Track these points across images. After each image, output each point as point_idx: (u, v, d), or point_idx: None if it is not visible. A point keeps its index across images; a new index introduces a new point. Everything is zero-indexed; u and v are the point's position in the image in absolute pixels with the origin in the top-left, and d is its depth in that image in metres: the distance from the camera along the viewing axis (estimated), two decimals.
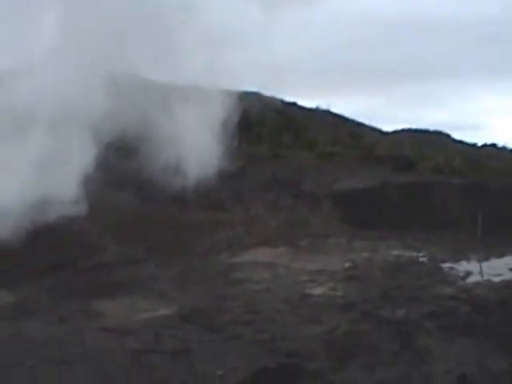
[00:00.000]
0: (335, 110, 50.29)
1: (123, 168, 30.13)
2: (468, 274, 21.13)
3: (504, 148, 48.07)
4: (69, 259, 23.61)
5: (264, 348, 13.11)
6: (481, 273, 21.50)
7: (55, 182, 27.24)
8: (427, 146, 42.60)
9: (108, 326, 15.49)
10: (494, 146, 49.40)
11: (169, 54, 31.03)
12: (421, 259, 23.26)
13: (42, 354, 13.22)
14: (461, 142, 51.25)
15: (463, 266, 22.35)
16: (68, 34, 28.74)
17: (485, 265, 22.61)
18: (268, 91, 38.96)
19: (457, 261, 23.06)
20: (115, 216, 27.08)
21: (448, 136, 53.33)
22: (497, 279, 20.29)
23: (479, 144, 50.62)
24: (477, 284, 19.59)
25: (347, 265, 22.03)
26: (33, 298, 19.22)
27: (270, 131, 40.56)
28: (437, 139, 50.39)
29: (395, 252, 24.02)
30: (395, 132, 53.32)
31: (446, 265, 22.46)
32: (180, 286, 19.98)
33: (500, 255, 24.25)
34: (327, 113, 49.14)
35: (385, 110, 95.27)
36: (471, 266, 22.58)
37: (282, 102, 44.84)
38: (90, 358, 12.91)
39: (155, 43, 30.59)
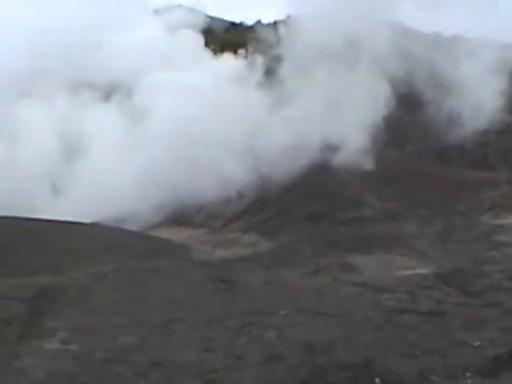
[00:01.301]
0: None
1: (404, 119, 29.67)
2: None
3: None
4: (329, 210, 23.57)
5: None
6: None
7: (341, 127, 27.41)
8: None
9: (363, 281, 15.13)
10: None
11: (455, 6, 30.49)
12: None
13: (296, 303, 13.11)
14: None
15: None
16: None
17: None
18: None
19: None
20: (378, 169, 26.71)
21: None
22: None
23: None
24: None
25: None
26: (291, 247, 19.32)
27: None
28: None
29: None
30: None
31: None
32: (439, 246, 19.23)
33: None
34: None
35: None
36: None
37: None
38: (343, 311, 12.59)
39: None
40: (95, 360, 9.50)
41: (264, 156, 27.67)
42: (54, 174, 30.30)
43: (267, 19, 47.28)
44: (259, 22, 49.60)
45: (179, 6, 44.20)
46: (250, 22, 52.47)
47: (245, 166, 27.79)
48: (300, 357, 9.91)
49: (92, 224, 22.06)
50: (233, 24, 52.11)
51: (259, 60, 33.06)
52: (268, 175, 26.63)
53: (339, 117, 28.06)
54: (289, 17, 35.38)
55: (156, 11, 41.66)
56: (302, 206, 24.16)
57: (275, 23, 36.86)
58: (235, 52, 35.52)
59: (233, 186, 27.16)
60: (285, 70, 30.58)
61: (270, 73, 31.73)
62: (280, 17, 38.83)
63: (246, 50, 35.38)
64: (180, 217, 27.27)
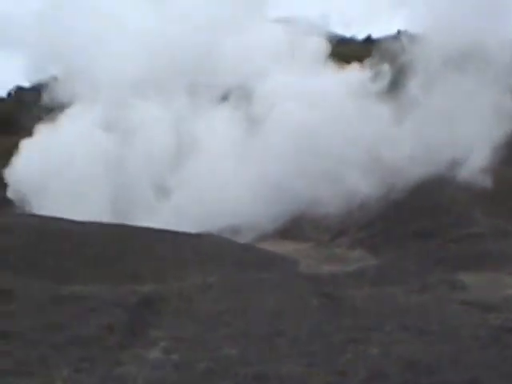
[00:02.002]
0: None
1: None
2: None
3: None
4: (438, 227, 23.09)
5: None
6: None
7: (462, 141, 26.79)
8: None
9: (470, 299, 14.64)
10: None
11: None
12: None
13: (401, 320, 12.77)
14: None
15: None
16: None
17: None
18: None
19: None
20: (491, 186, 26.04)
21: None
22: None
23: None
24: None
25: None
26: (397, 263, 18.96)
27: None
28: None
29: None
30: None
31: None
32: None
33: None
34: None
35: None
36: None
37: None
38: (449, 329, 12.17)
39: None
40: (197, 371, 9.42)
41: (385, 168, 27.26)
42: (164, 178, 30.55)
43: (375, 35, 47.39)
44: (369, 37, 49.62)
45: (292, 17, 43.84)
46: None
47: (367, 178, 27.37)
48: (404, 375, 9.59)
49: (199, 234, 22.22)
50: (341, 39, 52.23)
51: (384, 71, 32.62)
52: (389, 188, 26.25)
53: (461, 130, 27.42)
54: (399, 32, 35.08)
55: (276, 20, 41.41)
56: (410, 221, 23.75)
57: (396, 36, 36.58)
58: (359, 63, 35.11)
59: (354, 199, 26.78)
60: (408, 81, 30.17)
61: (393, 84, 31.42)
62: (389, 32, 38.62)
63: (372, 62, 34.93)
64: (288, 229, 27.20)
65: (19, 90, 60.73)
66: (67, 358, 9.55)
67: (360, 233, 24.32)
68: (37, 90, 41.27)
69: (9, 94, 62.94)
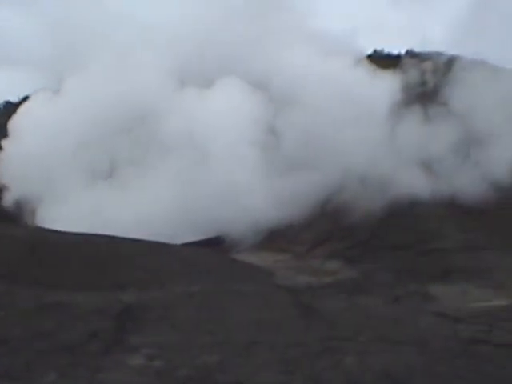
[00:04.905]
0: None
1: None
2: None
3: None
4: (410, 241, 23.20)
5: None
6: None
7: None
8: None
9: (441, 311, 14.72)
10: None
11: None
12: None
13: (375, 331, 12.79)
14: None
15: None
16: None
17: None
18: None
19: None
20: (460, 202, 26.17)
21: None
22: None
23: None
24: None
25: None
26: (371, 275, 19.06)
27: None
28: None
29: None
30: None
31: None
32: None
33: None
34: None
35: None
36: None
37: None
38: (420, 340, 12.23)
39: None
40: (178, 377, 9.40)
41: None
42: None
43: None
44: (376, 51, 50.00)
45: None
46: None
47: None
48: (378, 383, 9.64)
49: (181, 245, 22.22)
50: None
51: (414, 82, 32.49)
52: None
53: None
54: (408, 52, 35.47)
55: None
56: (388, 234, 23.86)
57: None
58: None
59: None
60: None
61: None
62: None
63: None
64: (268, 240, 27.19)
65: (8, 104, 61.03)
66: (52, 364, 9.51)
67: (336, 244, 24.35)
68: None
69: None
